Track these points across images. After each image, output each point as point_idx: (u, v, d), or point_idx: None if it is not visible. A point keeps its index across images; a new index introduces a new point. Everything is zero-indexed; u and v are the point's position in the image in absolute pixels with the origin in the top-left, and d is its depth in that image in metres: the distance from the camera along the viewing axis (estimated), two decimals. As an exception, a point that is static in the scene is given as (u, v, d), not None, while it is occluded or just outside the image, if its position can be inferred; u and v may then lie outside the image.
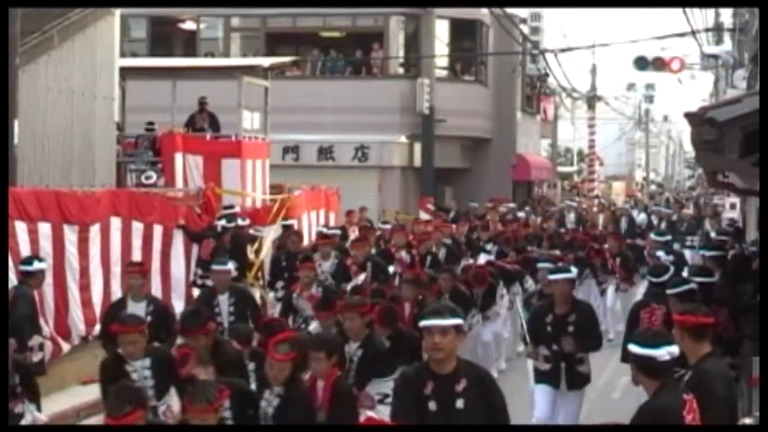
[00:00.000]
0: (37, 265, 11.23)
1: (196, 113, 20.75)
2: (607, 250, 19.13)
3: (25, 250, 12.22)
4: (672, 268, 11.29)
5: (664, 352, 5.88)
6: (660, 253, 15.95)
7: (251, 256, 16.05)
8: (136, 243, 14.91)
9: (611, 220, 28.80)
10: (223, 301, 11.83)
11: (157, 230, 15.40)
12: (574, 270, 10.41)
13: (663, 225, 25.96)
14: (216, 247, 15.25)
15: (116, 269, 14.15)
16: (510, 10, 32.21)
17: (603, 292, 18.15)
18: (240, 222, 16.24)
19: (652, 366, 5.90)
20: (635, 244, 21.65)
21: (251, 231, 16.79)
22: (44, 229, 12.90)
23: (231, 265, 12.31)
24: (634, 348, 5.97)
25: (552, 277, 10.18)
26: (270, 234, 17.52)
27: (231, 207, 16.73)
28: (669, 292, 9.59)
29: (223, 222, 15.86)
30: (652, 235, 18.20)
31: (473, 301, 13.85)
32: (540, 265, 13.37)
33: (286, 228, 17.82)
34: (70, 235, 13.40)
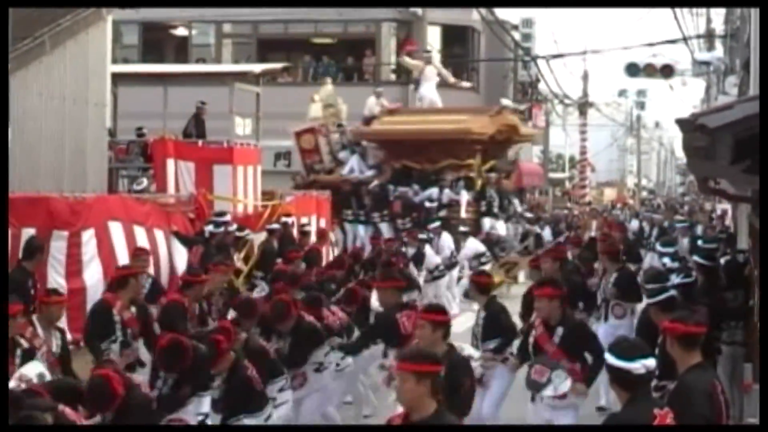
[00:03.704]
0: None
1: (191, 118, 20.73)
2: None
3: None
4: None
5: (640, 365, 5.78)
6: (666, 260, 15.79)
7: (239, 263, 16.00)
8: (123, 248, 14.64)
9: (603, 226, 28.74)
10: None
11: (157, 235, 15.22)
12: None
13: (655, 232, 25.89)
14: (204, 252, 15.01)
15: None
16: (501, 17, 32.28)
17: None
18: (229, 228, 16.15)
19: (626, 379, 5.82)
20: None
21: (240, 234, 16.68)
22: (29, 235, 12.74)
23: None
24: (610, 358, 5.89)
25: None
26: (258, 240, 17.45)
27: (223, 214, 16.59)
28: (648, 301, 9.52)
29: (210, 227, 15.68)
30: (658, 246, 17.49)
31: None
32: None
33: (271, 232, 17.72)
34: (59, 240, 13.32)
